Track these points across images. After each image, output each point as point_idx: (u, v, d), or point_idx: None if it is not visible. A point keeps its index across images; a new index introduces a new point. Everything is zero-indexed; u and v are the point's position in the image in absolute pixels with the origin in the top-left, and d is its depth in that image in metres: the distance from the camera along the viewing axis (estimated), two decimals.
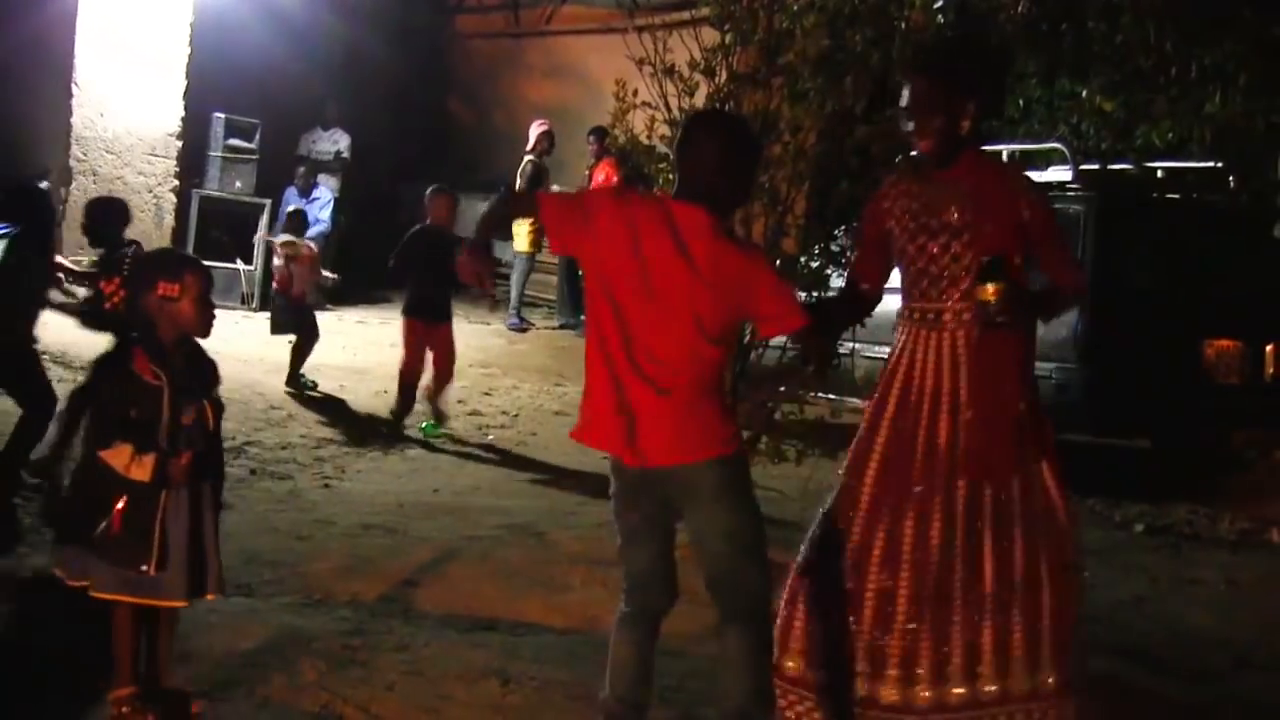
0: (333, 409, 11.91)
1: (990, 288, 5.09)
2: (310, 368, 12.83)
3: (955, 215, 5.32)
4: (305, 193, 18.07)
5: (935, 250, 5.35)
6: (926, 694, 5.23)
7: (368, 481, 9.85)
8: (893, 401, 5.44)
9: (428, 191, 12.32)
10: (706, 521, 5.02)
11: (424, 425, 11.43)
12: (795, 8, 8.67)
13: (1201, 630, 7.83)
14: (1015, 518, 5.31)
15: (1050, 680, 5.25)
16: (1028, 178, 5.67)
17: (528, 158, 17.68)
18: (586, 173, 17.86)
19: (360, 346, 14.86)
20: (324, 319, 16.45)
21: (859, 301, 5.71)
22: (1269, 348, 11.04)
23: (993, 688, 5.24)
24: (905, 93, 5.39)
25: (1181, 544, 9.98)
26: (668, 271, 4.88)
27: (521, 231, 17.38)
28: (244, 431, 10.57)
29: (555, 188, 18.72)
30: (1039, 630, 5.26)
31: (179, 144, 15.48)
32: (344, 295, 17.36)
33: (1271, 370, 11.07)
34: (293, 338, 12.45)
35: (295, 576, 7.43)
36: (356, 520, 8.66)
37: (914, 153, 5.50)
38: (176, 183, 15.44)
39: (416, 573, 7.64)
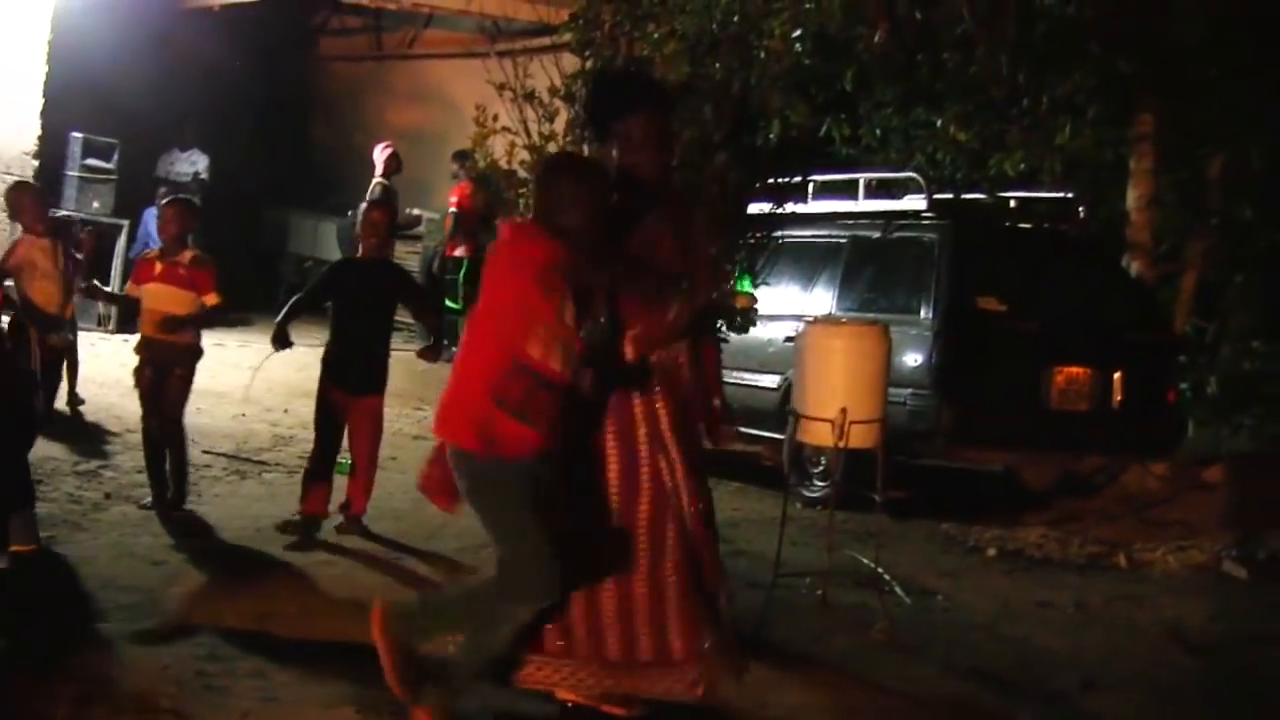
0: (190, 432, 11.77)
1: (751, 293, 5.50)
2: None
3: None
4: None
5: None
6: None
7: (225, 505, 9.77)
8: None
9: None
10: None
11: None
12: (655, 35, 8.74)
13: (1051, 652, 7.95)
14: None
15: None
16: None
17: (376, 179, 17.63)
18: (449, 196, 17.94)
19: (218, 369, 14.69)
20: None
21: None
22: (1117, 375, 11.24)
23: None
24: (637, 125, 5.67)
25: (1033, 567, 10.14)
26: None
27: None
28: (100, 455, 10.44)
29: (416, 210, 18.74)
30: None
31: (35, 163, 15.25)
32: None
33: (1120, 397, 11.26)
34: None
35: (151, 602, 7.35)
36: (214, 545, 8.59)
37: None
38: None
39: (274, 598, 7.59)
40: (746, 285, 5.67)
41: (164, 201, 10.11)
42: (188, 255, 9.51)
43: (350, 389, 9.07)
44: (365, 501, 9.27)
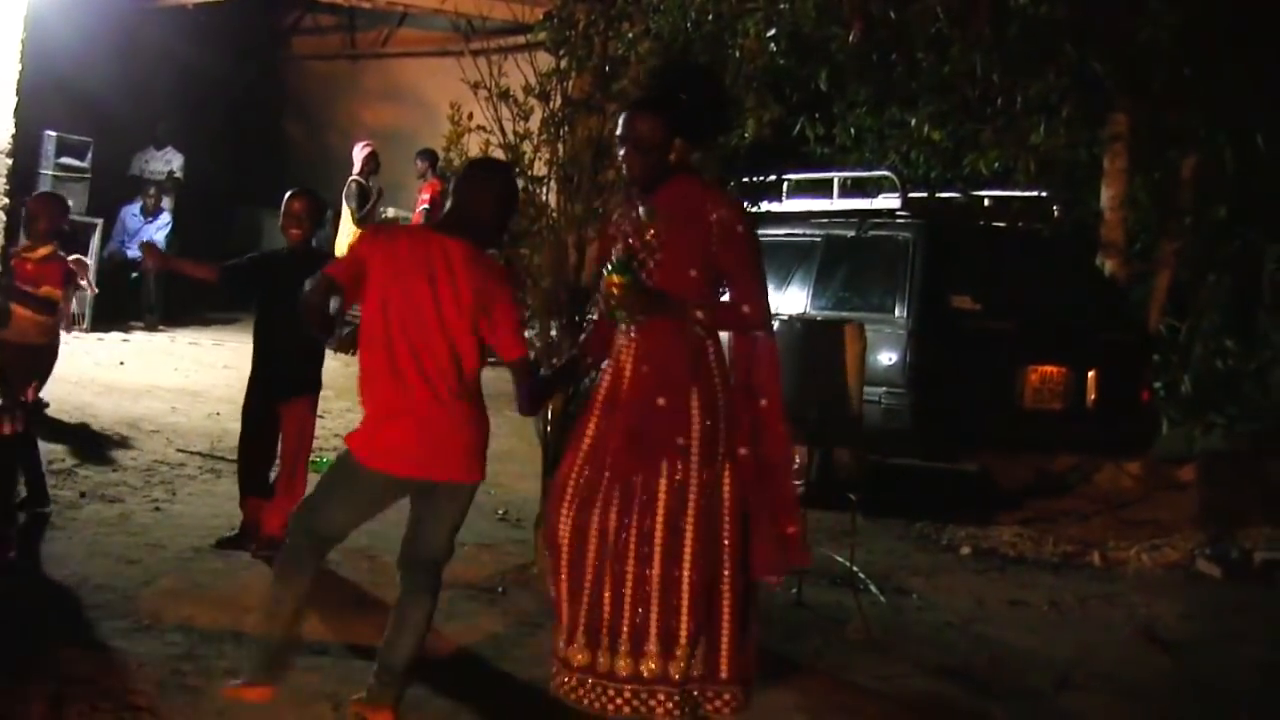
0: (165, 431, 11.76)
1: (615, 279, 5.50)
2: (142, 390, 12.64)
3: (651, 234, 5.72)
4: (152, 212, 17.88)
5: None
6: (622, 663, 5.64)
7: (199, 504, 9.73)
8: (598, 402, 5.90)
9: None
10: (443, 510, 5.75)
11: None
12: (630, 34, 8.72)
13: (1025, 651, 7.97)
14: (683, 512, 5.62)
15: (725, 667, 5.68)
16: (727, 196, 6.10)
17: (352, 177, 17.58)
18: (419, 194, 17.94)
19: (193, 368, 14.69)
20: (157, 340, 16.29)
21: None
22: (1091, 374, 11.24)
23: (654, 666, 5.61)
24: (621, 124, 5.78)
25: (1007, 566, 10.17)
26: (436, 297, 5.49)
27: (344, 247, 17.23)
28: (74, 454, 10.41)
29: (391, 211, 18.70)
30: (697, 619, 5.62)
31: (8, 161, 15.14)
32: (177, 317, 17.17)
33: (1093, 396, 11.27)
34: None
35: (125, 601, 7.32)
36: (187, 543, 8.55)
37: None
38: (6, 201, 15.12)
39: (248, 596, 7.56)
40: None
41: (34, 194, 9.71)
42: (41, 252, 8.92)
43: (280, 391, 8.53)
44: (281, 520, 8.18)
